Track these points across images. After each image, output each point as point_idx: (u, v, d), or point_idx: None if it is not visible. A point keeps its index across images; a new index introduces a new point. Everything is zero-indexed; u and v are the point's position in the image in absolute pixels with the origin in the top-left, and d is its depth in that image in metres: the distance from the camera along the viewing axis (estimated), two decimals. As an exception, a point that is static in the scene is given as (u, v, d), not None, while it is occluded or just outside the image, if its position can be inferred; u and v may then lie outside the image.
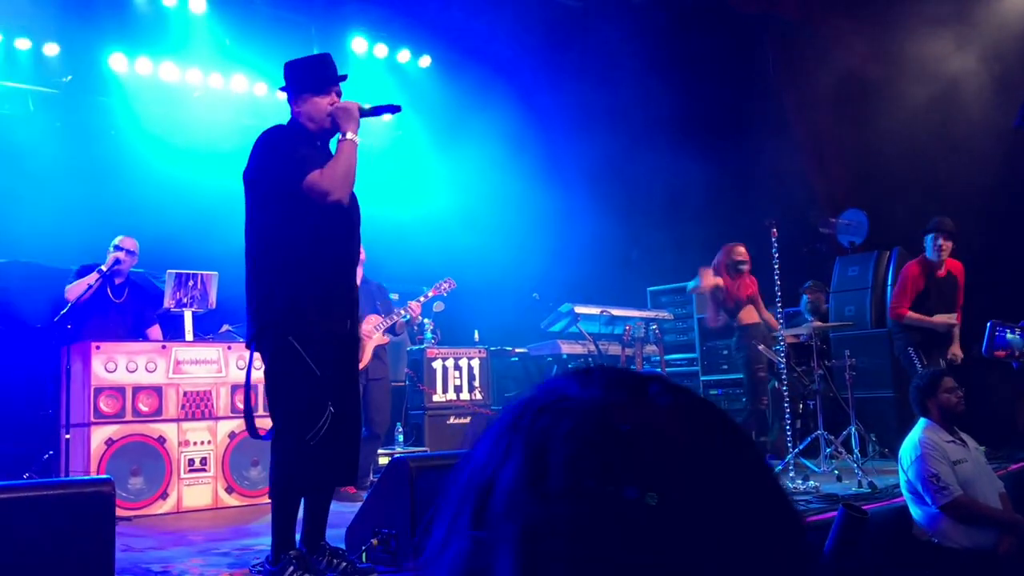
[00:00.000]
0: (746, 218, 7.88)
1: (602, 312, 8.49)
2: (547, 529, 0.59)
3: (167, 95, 9.04)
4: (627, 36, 9.57)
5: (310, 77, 3.88)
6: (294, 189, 3.61)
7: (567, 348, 8.58)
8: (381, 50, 10.09)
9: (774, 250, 6.32)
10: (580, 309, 8.55)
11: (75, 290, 6.36)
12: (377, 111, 3.97)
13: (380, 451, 7.12)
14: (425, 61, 10.32)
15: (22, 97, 8.41)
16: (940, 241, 6.98)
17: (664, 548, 0.58)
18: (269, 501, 3.65)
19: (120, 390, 5.90)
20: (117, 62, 8.71)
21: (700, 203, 9.30)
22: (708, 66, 9.45)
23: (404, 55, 10.22)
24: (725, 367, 8.92)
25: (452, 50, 10.21)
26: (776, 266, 6.33)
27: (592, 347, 8.28)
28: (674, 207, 9.62)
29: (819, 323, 7.45)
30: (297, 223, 3.65)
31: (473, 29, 9.79)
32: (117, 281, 6.64)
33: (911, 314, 7.05)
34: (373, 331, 6.73)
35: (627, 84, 9.53)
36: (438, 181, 10.02)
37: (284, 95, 3.96)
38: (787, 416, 6.43)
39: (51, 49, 8.39)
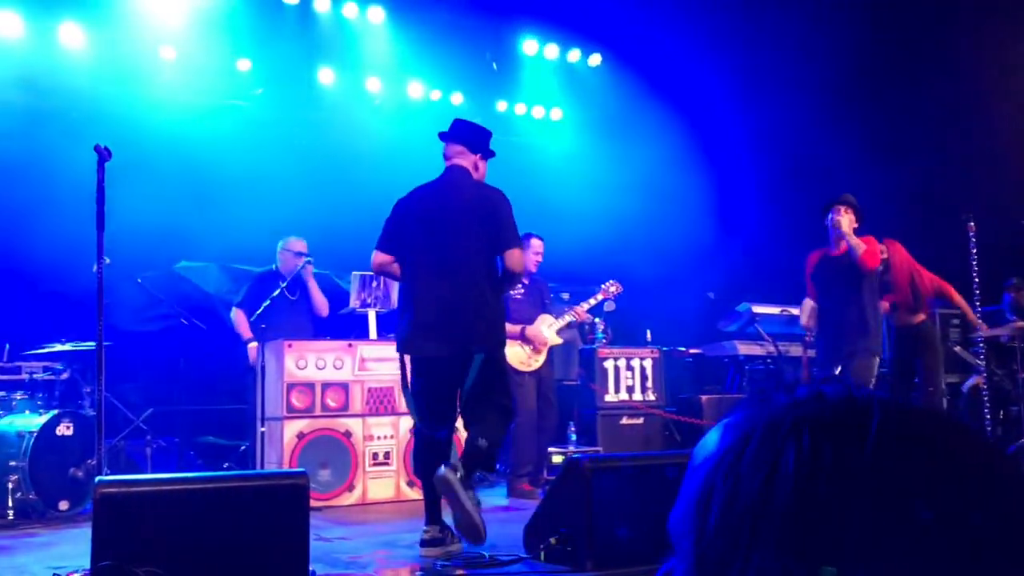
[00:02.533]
0: (936, 211, 7.40)
1: (782, 312, 8.21)
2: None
3: (349, 104, 9.46)
4: (804, 31, 9.18)
5: (488, 145, 4.72)
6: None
7: (744, 349, 8.35)
8: (552, 51, 10.16)
9: (972, 245, 5.92)
10: (758, 309, 8.29)
11: (238, 322, 6.92)
12: None
13: (552, 449, 7.18)
14: (595, 60, 10.32)
15: (219, 111, 9.00)
16: None
17: None
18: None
19: (310, 386, 6.22)
20: (303, 73, 9.19)
21: (885, 197, 8.81)
22: (894, 49, 8.93)
23: (574, 55, 10.25)
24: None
25: (622, 47, 10.16)
26: (974, 262, 5.93)
27: (771, 348, 8.02)
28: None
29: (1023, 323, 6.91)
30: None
31: (643, 25, 9.70)
32: (291, 281, 7.01)
33: None
34: (545, 331, 6.78)
35: (804, 80, 9.15)
36: (609, 178, 9.97)
37: (462, 148, 4.64)
38: (987, 422, 6.00)
39: (244, 64, 8.93)
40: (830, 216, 6.19)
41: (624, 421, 7.82)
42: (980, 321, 6.31)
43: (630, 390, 7.90)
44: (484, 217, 4.41)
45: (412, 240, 4.47)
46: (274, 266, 7.13)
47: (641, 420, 7.81)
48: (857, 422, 0.59)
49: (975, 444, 0.59)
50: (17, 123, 7.51)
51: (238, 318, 7.01)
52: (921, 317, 6.72)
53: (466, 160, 4.60)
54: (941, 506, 0.55)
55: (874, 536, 0.55)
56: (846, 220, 6.10)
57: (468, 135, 4.65)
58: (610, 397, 7.84)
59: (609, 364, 7.90)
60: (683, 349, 8.98)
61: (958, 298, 6.68)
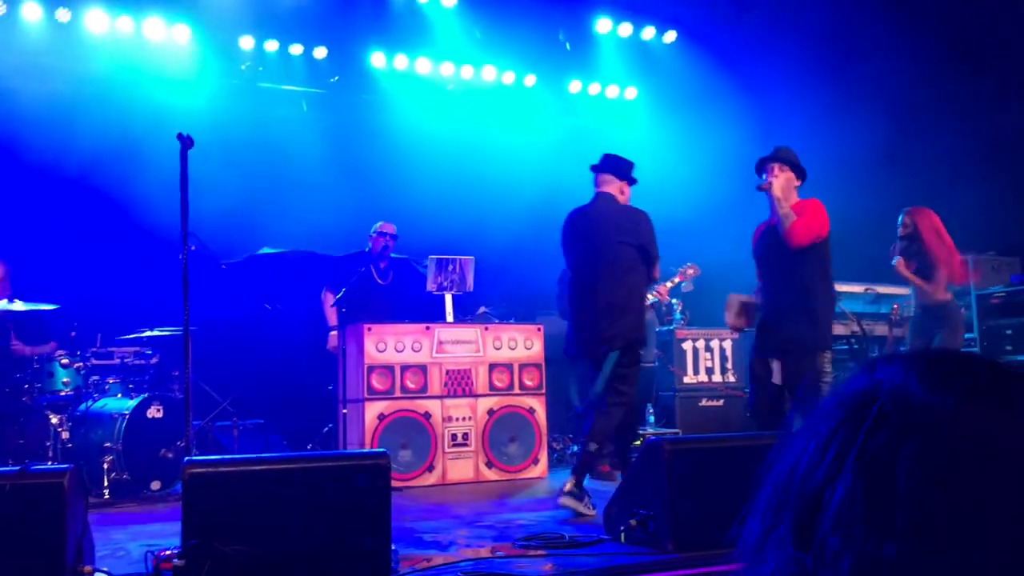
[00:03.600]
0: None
1: (866, 290, 7.97)
2: (887, 573, 0.50)
3: (422, 89, 9.51)
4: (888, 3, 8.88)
5: (631, 173, 5.45)
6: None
7: (827, 328, 8.14)
8: (626, 29, 10.03)
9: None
10: (841, 287, 8.05)
11: (326, 306, 7.01)
12: None
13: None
14: (670, 36, 10.15)
15: (296, 99, 9.15)
16: None
17: None
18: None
19: (390, 368, 6.30)
20: (377, 60, 9.26)
21: (976, 168, 8.48)
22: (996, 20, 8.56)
23: (649, 32, 10.10)
24: (1010, 348, 8.10)
25: (697, 24, 9.97)
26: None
27: (855, 327, 7.80)
28: (944, 173, 8.83)
29: None
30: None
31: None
32: (382, 264, 7.12)
33: None
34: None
35: (888, 51, 8.84)
36: (685, 158, 9.82)
37: (610, 176, 5.34)
38: None
39: (320, 52, 9.05)
40: (764, 177, 5.01)
41: (703, 403, 7.74)
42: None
43: (709, 371, 7.81)
44: (630, 233, 5.15)
45: (571, 256, 5.34)
46: (367, 248, 7.26)
47: (721, 402, 7.72)
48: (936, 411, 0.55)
49: None
50: (104, 115, 7.75)
51: (326, 301, 7.14)
52: (946, 296, 6.38)
53: (612, 187, 5.33)
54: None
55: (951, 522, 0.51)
56: (780, 181, 4.89)
57: (614, 166, 5.40)
58: (689, 379, 7.76)
59: (688, 345, 7.81)
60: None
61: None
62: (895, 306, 7.00)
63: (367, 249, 7.25)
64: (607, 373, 5.00)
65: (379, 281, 7.10)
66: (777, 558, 0.57)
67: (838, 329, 8.32)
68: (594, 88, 10.21)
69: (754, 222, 9.01)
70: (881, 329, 7.71)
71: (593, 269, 5.17)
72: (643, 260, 5.19)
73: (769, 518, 0.59)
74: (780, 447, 0.63)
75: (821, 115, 9.50)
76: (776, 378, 4.87)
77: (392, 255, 7.26)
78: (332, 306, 6.87)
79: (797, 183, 5.05)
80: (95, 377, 6.37)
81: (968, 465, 0.51)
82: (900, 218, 6.68)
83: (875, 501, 0.52)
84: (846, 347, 8.37)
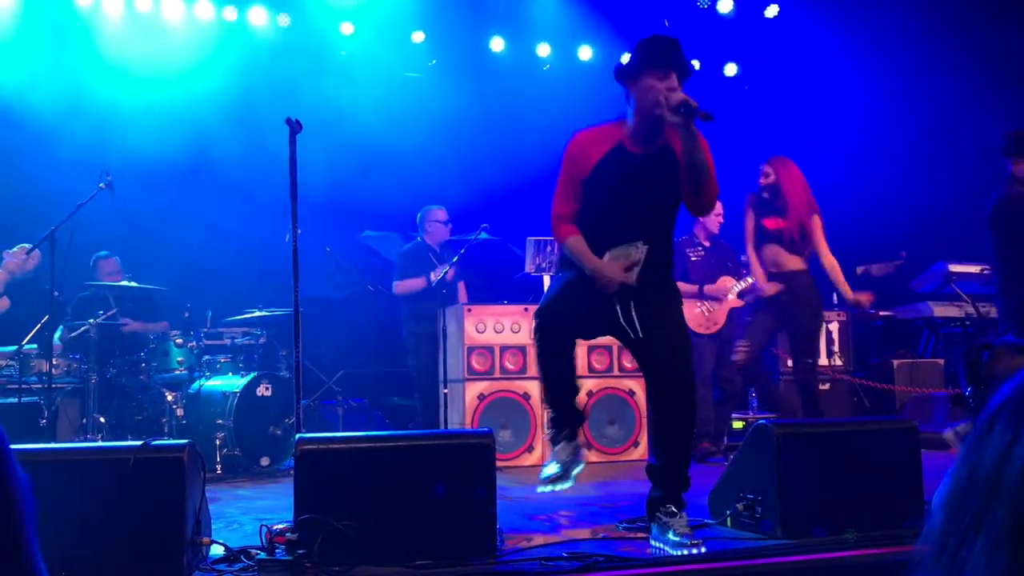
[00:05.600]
0: None
1: (983, 271, 7.63)
2: None
3: (519, 70, 9.47)
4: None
5: None
6: None
7: (940, 311, 7.86)
8: (725, 4, 9.77)
9: None
10: (955, 267, 7.76)
11: (407, 285, 6.95)
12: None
13: (733, 415, 7.02)
14: (772, 11, 9.86)
15: (395, 83, 9.22)
16: None
17: None
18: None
19: (489, 349, 6.34)
20: (475, 43, 9.28)
21: None
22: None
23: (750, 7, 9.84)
24: None
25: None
26: None
27: (970, 309, 7.50)
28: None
29: None
30: None
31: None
32: (437, 250, 7.10)
33: None
34: (727, 293, 6.62)
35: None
36: (786, 135, 9.54)
37: None
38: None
39: (418, 36, 9.10)
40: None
41: (808, 387, 7.53)
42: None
43: (815, 355, 7.59)
44: None
45: None
46: (419, 238, 7.21)
47: (827, 386, 7.50)
48: None
49: None
50: (214, 101, 7.98)
51: (404, 286, 7.03)
52: (800, 264, 5.81)
53: None
54: None
55: None
56: None
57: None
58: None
59: (792, 328, 7.61)
60: (872, 311, 8.52)
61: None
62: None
63: (419, 239, 7.15)
64: None
65: (436, 263, 7.02)
66: (992, 564, 0.52)
67: (952, 311, 8.01)
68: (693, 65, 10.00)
69: (863, 199, 8.69)
70: (996, 311, 7.38)
71: None
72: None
73: (969, 517, 0.55)
74: (975, 437, 0.59)
75: (932, 69, 9.07)
76: None
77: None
78: (431, 286, 6.83)
79: None
80: (207, 357, 6.61)
81: None
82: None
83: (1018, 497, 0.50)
84: (959, 330, 8.05)
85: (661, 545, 3.54)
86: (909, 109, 9.13)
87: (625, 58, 3.79)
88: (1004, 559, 0.51)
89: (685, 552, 3.40)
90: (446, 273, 6.66)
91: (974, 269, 7.74)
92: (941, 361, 7.87)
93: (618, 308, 3.68)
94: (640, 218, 3.67)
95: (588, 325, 3.85)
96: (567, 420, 3.95)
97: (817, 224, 5.69)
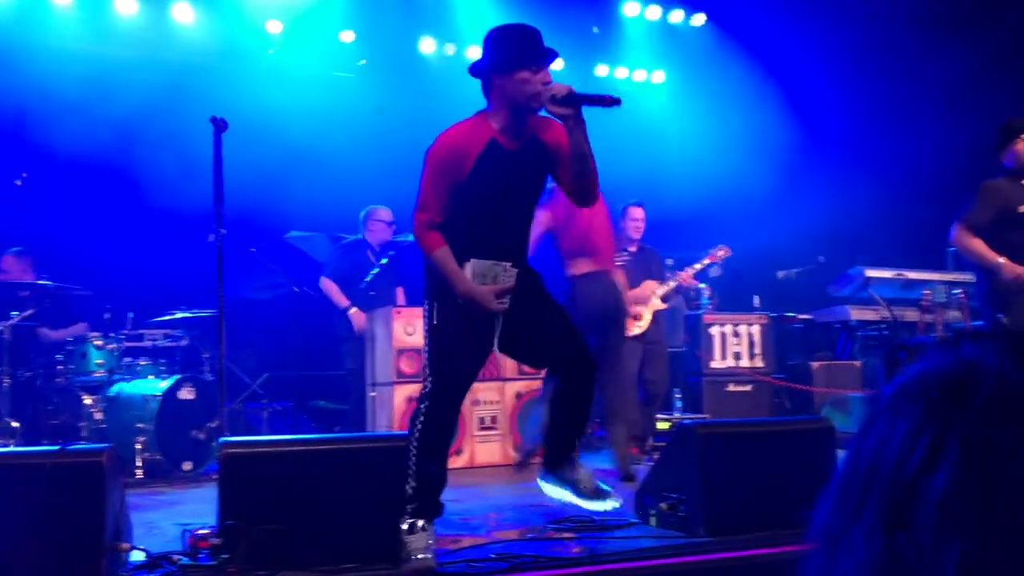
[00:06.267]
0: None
1: (897, 275, 7.91)
2: (1000, 568, 0.49)
3: (449, 72, 9.47)
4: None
5: None
6: None
7: (857, 314, 8.10)
8: (654, 12, 9.95)
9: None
10: (872, 272, 8.01)
11: (331, 289, 6.92)
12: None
13: (658, 416, 7.12)
14: (699, 19, 10.06)
15: (323, 83, 9.13)
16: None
17: None
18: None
19: (419, 352, 6.30)
20: (405, 44, 9.25)
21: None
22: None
23: (677, 15, 10.02)
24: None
25: (725, 6, 9.87)
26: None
27: (886, 313, 7.75)
28: (977, 159, 8.71)
29: None
30: None
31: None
32: (377, 249, 7.06)
33: None
34: (651, 296, 6.72)
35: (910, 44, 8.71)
36: (715, 142, 9.75)
37: None
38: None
39: (347, 36, 9.03)
40: None
41: (730, 388, 7.70)
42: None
43: (737, 356, 7.76)
44: None
45: None
46: (359, 235, 7.17)
47: (748, 387, 7.68)
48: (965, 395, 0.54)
49: None
50: (136, 98, 7.79)
51: (328, 287, 7.03)
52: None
53: None
54: None
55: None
56: None
57: None
58: (716, 363, 7.72)
59: (715, 330, 7.77)
60: (792, 315, 8.76)
61: None
62: (926, 292, 6.93)
63: (360, 236, 7.12)
64: None
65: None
66: (869, 548, 0.55)
67: (869, 315, 8.27)
68: (621, 72, 10.13)
69: (783, 204, 8.93)
70: (912, 315, 7.65)
71: None
72: None
73: (851, 505, 0.57)
74: (859, 430, 0.62)
75: (838, 93, 9.38)
76: None
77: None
78: (360, 288, 6.81)
79: None
80: (127, 359, 6.44)
81: None
82: None
83: (985, 492, 0.50)
84: (876, 333, 8.32)
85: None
86: (827, 124, 9.41)
87: (477, 53, 3.66)
88: (880, 542, 0.54)
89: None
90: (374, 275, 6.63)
91: (889, 274, 8.01)
92: (858, 363, 8.11)
93: (496, 326, 3.53)
94: (508, 219, 3.53)
95: (481, 361, 3.58)
96: (434, 500, 3.49)
97: None
